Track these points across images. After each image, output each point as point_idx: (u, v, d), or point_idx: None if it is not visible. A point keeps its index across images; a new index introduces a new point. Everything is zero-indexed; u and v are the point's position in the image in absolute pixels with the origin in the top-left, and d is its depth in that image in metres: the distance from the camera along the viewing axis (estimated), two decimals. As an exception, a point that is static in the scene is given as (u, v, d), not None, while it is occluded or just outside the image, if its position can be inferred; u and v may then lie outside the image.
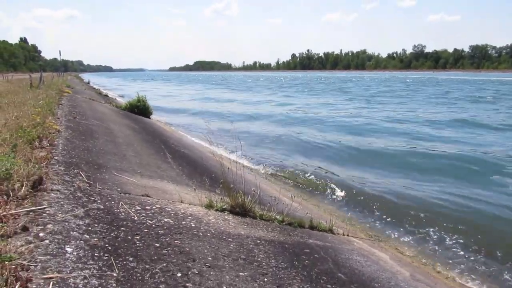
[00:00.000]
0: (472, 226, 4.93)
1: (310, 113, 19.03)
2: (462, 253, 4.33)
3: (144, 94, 13.55)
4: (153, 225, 2.59)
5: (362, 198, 5.91)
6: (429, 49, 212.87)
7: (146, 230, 2.48)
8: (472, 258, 4.22)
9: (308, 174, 7.22)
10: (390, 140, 11.24)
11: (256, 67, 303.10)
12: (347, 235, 4.09)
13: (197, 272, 2.05)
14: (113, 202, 2.86)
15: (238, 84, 61.64)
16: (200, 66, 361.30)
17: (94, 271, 1.80)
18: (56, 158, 3.69)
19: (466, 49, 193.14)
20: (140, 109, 13.26)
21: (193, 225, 2.81)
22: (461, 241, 4.56)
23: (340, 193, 6.13)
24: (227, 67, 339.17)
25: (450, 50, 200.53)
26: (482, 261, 4.16)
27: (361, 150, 9.88)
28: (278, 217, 3.67)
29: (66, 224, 2.23)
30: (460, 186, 6.53)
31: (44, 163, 3.33)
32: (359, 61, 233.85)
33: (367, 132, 12.84)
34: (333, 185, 6.54)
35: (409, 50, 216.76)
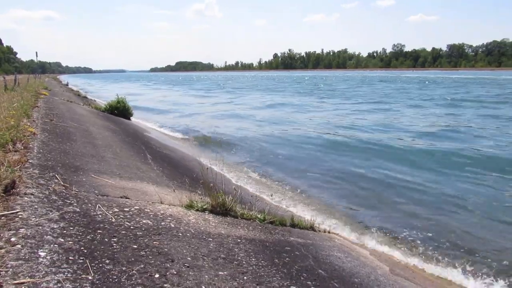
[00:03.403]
0: (450, 224, 5.05)
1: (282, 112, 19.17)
2: (441, 248, 4.42)
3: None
4: (131, 227, 2.56)
5: (343, 195, 5.97)
6: (408, 48, 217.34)
7: (124, 232, 2.44)
8: (451, 253, 4.32)
9: (289, 171, 7.26)
10: (370, 137, 11.41)
11: (239, 67, 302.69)
12: (329, 232, 4.13)
13: (175, 272, 2.03)
14: (90, 205, 2.80)
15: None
16: (182, 66, 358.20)
17: (68, 275, 1.76)
18: (30, 161, 3.59)
19: (444, 48, 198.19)
20: (120, 110, 13.07)
21: (172, 226, 2.79)
22: (440, 236, 4.67)
23: (321, 190, 6.18)
24: (209, 67, 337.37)
25: (429, 49, 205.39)
26: (459, 255, 4.26)
27: (339, 147, 9.99)
28: (259, 216, 3.67)
29: (40, 228, 2.18)
30: (443, 186, 6.68)
31: (18, 166, 3.23)
32: (340, 60, 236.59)
33: (346, 129, 13.01)
34: (314, 182, 6.59)
35: (389, 49, 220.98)
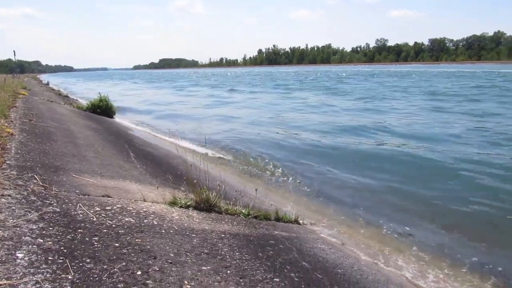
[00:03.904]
0: (429, 210, 5.16)
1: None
2: (421, 235, 4.52)
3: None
4: (113, 225, 2.53)
5: (328, 188, 6.03)
6: (391, 43, 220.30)
7: (105, 230, 2.42)
8: (432, 240, 4.41)
9: (273, 166, 7.30)
10: (351, 134, 11.55)
11: (223, 63, 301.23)
12: (313, 225, 4.17)
13: (158, 269, 2.03)
14: (70, 204, 2.76)
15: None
16: (166, 63, 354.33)
17: (47, 275, 1.73)
18: (8, 162, 3.51)
19: (426, 42, 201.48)
20: (102, 109, 12.87)
21: (155, 223, 2.77)
22: (421, 224, 4.77)
23: (306, 184, 6.23)
24: (194, 64, 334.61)
25: (411, 43, 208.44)
26: (439, 241, 4.36)
27: (320, 143, 10.07)
28: (243, 210, 3.68)
29: (18, 229, 2.14)
30: (418, 176, 6.81)
31: (-6, 167, 3.16)
32: (325, 55, 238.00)
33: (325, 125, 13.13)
34: (298, 176, 6.64)
35: (373, 44, 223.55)
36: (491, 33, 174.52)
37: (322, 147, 9.28)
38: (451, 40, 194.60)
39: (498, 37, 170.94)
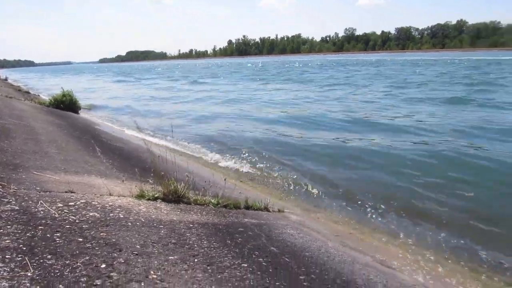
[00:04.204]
0: (395, 195, 5.37)
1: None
2: (387, 217, 4.71)
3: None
4: (77, 221, 2.48)
5: (296, 175, 6.14)
6: (359, 32, 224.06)
7: (68, 226, 2.36)
8: (395, 222, 4.60)
9: (241, 155, 7.34)
10: (322, 119, 11.75)
11: (193, 55, 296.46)
12: (283, 211, 4.24)
13: (123, 261, 2.01)
14: (30, 202, 2.67)
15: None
16: (133, 56, 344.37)
17: (5, 274, 1.68)
18: (-39, 161, 3.34)
19: (393, 31, 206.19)
20: (66, 104, 12.39)
21: (121, 216, 2.73)
22: (386, 207, 4.96)
23: (275, 172, 6.31)
24: (162, 56, 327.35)
25: (379, 32, 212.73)
26: (404, 224, 4.56)
27: (286, 133, 10.20)
28: (213, 200, 3.69)
29: (-28, 229, 2.05)
30: (383, 164, 7.05)
31: None
32: (295, 45, 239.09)
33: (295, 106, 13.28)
34: (266, 166, 6.71)
35: (341, 34, 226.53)
36: (454, 22, 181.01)
37: (288, 137, 9.38)
38: (417, 29, 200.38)
39: (460, 26, 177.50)
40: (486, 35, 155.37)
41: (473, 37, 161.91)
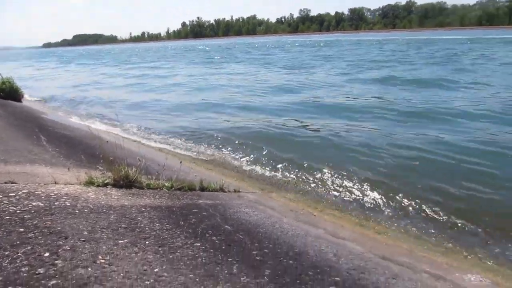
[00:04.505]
0: (346, 170, 5.59)
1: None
2: (340, 192, 4.91)
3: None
4: (18, 211, 2.35)
5: (252, 157, 6.20)
6: (314, 12, 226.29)
7: (8, 217, 2.24)
8: (348, 197, 4.82)
9: (195, 138, 7.30)
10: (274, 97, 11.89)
11: (145, 38, 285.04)
12: (238, 191, 4.28)
13: (69, 248, 1.95)
14: (-36, 194, 2.50)
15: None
16: (81, 40, 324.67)
17: None
18: None
19: (346, 12, 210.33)
20: (6, 92, 11.51)
21: (68, 204, 2.63)
22: (338, 183, 5.16)
23: (231, 154, 6.34)
24: (113, 39, 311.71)
25: (333, 13, 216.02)
26: (357, 199, 4.77)
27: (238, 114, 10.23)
28: (166, 184, 3.65)
29: None
30: (333, 140, 7.30)
31: None
32: (250, 26, 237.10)
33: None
34: (221, 147, 6.73)
35: (296, 15, 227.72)
36: (403, 3, 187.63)
37: (243, 121, 9.40)
38: (369, 10, 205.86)
39: (409, 6, 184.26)
40: (433, 15, 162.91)
41: (421, 17, 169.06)
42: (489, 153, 6.01)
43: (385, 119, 8.61)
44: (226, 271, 2.02)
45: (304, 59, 30.29)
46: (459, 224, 4.08)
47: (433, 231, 4.02)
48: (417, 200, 4.54)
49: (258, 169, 5.64)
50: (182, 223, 2.68)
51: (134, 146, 5.46)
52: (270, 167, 5.70)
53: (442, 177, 5.14)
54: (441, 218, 4.22)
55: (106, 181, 3.33)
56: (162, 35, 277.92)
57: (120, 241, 2.15)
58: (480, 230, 3.96)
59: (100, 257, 1.91)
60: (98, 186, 3.26)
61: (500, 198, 4.58)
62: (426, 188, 4.81)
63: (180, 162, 4.08)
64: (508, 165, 5.52)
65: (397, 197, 4.65)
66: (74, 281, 1.64)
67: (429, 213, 4.33)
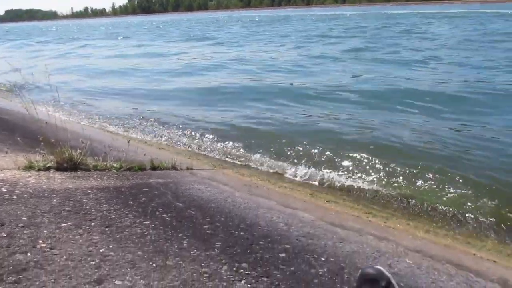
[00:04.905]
0: (299, 144, 5.73)
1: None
2: (293, 166, 5.04)
3: None
4: None
5: (205, 134, 6.16)
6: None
7: None
8: (301, 169, 4.95)
9: (143, 116, 7.12)
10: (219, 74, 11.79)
11: (88, 13, 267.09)
12: (191, 169, 4.26)
13: (5, 235, 1.85)
14: None
15: None
16: (15, 15, 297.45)
17: None
18: None
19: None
20: None
21: (4, 190, 2.47)
22: (290, 156, 5.29)
23: (182, 131, 6.25)
24: (52, 15, 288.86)
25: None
26: (309, 172, 4.92)
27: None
28: (115, 164, 3.54)
29: None
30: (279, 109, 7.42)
31: None
32: (201, 1, 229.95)
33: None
34: (170, 124, 6.62)
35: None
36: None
37: (191, 98, 9.25)
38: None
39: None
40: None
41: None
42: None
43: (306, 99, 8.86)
44: (176, 246, 2.03)
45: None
46: (401, 194, 4.35)
47: (380, 199, 4.27)
48: (365, 171, 4.79)
49: (211, 146, 5.63)
50: (131, 202, 2.63)
51: (78, 128, 5.19)
52: (223, 144, 5.71)
53: (387, 152, 5.39)
54: (385, 188, 4.48)
55: (48, 165, 3.16)
56: (107, 10, 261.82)
57: (63, 224, 2.07)
58: (416, 197, 4.26)
59: (40, 241, 1.83)
60: (39, 170, 3.08)
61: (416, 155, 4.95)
62: (374, 161, 5.05)
63: (128, 142, 3.96)
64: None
65: (348, 168, 4.86)
66: (11, 267, 1.56)
67: (376, 182, 4.58)
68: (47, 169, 3.13)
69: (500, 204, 3.91)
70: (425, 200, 4.14)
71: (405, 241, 3.15)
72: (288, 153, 5.34)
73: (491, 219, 3.70)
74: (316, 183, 4.58)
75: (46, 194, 2.52)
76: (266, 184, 4.41)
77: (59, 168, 3.20)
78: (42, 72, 15.89)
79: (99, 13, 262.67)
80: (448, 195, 4.20)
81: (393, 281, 1.27)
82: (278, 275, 1.90)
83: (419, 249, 2.78)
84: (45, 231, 1.95)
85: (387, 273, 1.29)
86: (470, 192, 4.18)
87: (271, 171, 4.85)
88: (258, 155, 5.25)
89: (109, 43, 29.60)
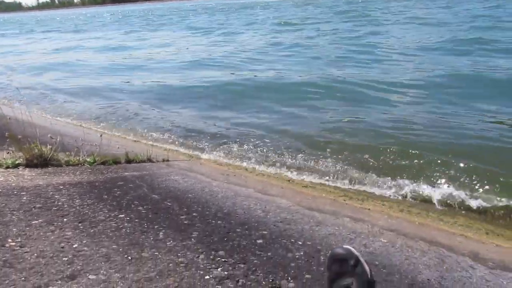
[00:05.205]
0: (275, 129, 5.76)
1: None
2: (270, 153, 5.05)
3: None
4: None
5: (179, 124, 6.08)
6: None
7: None
8: (277, 156, 4.98)
9: (112, 110, 6.98)
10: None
11: (55, 4, 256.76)
12: (168, 161, 4.22)
13: (-28, 235, 1.79)
14: None
15: None
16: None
17: None
18: None
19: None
20: None
21: (-31, 190, 2.39)
22: (269, 142, 5.31)
23: (156, 122, 6.16)
24: (17, 6, 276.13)
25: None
26: (285, 160, 4.95)
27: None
28: (88, 159, 3.46)
29: None
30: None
31: None
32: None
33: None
34: (145, 115, 6.52)
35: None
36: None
37: (161, 87, 9.11)
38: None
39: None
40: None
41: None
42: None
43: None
44: (151, 238, 2.02)
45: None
46: (377, 175, 4.45)
47: (356, 182, 4.36)
48: (343, 154, 4.86)
49: (188, 137, 5.57)
50: (106, 196, 2.59)
51: (47, 123, 5.04)
52: (199, 134, 5.66)
53: (367, 135, 5.47)
54: (360, 171, 4.57)
55: (16, 162, 3.07)
56: (75, 1, 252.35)
57: (34, 222, 2.02)
58: (391, 177, 4.37)
59: (9, 240, 1.78)
60: (7, 168, 2.99)
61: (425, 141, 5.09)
62: (352, 147, 5.08)
63: (101, 136, 3.88)
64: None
65: (323, 152, 4.92)
66: (-22, 268, 1.52)
67: (351, 165, 4.66)
68: (16, 166, 3.04)
69: (471, 181, 4.06)
70: (399, 179, 4.25)
71: (380, 221, 3.24)
72: (266, 141, 5.36)
73: (462, 196, 3.85)
74: (294, 170, 4.62)
75: (15, 192, 2.44)
76: (244, 172, 4.42)
77: (29, 165, 3.10)
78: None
79: (67, 3, 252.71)
80: (422, 173, 4.32)
81: (361, 259, 1.31)
82: (255, 261, 1.93)
83: (393, 228, 2.86)
84: (14, 229, 1.90)
85: (356, 252, 1.32)
86: (442, 169, 4.32)
87: (248, 159, 4.85)
88: (235, 145, 5.24)
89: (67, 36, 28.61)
